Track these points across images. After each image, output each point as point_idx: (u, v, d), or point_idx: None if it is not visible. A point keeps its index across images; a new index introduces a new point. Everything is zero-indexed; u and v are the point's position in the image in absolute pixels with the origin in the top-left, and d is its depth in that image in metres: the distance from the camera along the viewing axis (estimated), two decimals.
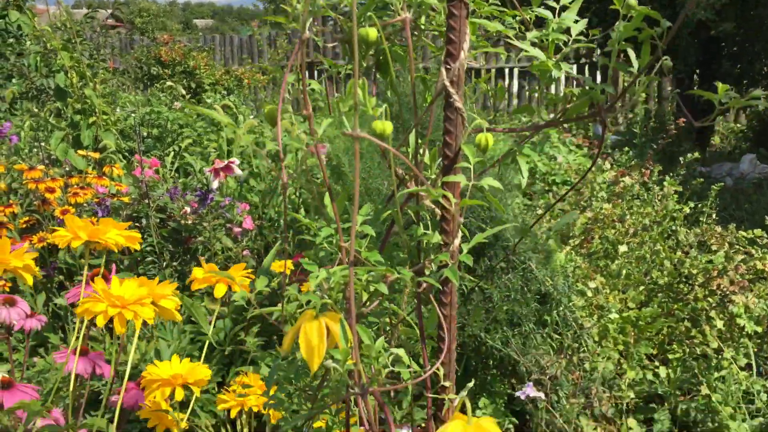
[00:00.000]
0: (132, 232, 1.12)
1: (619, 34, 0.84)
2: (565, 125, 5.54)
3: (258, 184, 3.28)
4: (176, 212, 2.63)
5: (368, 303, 0.85)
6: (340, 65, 0.99)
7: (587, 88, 0.86)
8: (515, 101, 11.11)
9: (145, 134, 3.99)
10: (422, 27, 0.83)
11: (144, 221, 2.59)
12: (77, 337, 1.07)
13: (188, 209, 2.64)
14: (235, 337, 2.41)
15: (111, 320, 0.91)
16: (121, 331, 0.92)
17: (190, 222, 2.63)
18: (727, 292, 2.44)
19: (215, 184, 2.56)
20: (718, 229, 2.72)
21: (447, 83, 0.82)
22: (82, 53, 3.40)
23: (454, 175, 0.84)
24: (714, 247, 2.73)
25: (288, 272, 2.21)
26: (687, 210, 2.87)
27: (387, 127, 0.77)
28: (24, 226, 2.50)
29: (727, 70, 6.44)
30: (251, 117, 4.15)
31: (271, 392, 0.97)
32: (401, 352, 0.80)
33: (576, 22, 0.88)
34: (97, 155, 2.87)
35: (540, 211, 2.94)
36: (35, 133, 3.37)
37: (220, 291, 1.11)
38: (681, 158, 3.45)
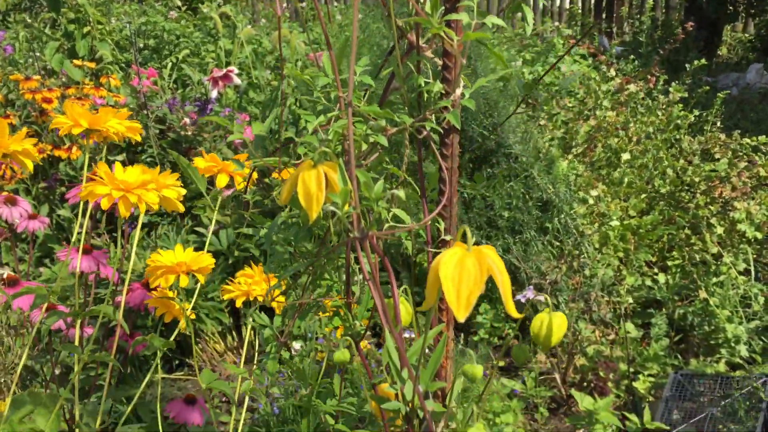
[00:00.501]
0: (133, 122, 1.10)
1: None
2: (571, 34, 5.41)
3: (257, 96, 3.24)
4: (176, 123, 2.60)
5: (367, 157, 0.84)
6: None
7: None
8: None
9: (141, 46, 3.91)
10: None
11: (143, 132, 2.57)
12: (79, 232, 1.07)
13: (188, 120, 2.62)
14: (238, 245, 2.43)
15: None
16: (125, 215, 0.92)
17: (189, 133, 2.61)
18: (729, 199, 2.44)
19: (214, 94, 2.52)
20: (722, 136, 2.70)
21: None
22: None
23: (456, 13, 0.81)
24: (717, 156, 2.71)
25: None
26: (692, 118, 2.84)
27: None
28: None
29: None
30: (248, 26, 4.06)
31: (272, 282, 0.99)
32: (400, 212, 0.80)
33: None
34: (93, 65, 2.82)
35: (542, 122, 2.91)
36: (30, 44, 3.30)
37: (222, 181, 1.11)
38: (687, 66, 3.39)
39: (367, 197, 0.73)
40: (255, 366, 1.34)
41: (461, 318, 0.62)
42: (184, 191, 1.02)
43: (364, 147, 0.84)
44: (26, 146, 0.92)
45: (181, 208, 1.01)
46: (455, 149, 0.91)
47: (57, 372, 1.34)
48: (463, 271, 0.63)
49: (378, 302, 0.74)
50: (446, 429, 0.78)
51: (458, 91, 0.86)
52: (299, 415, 1.11)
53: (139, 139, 1.13)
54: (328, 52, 0.82)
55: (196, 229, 2.45)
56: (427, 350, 0.80)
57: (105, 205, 0.92)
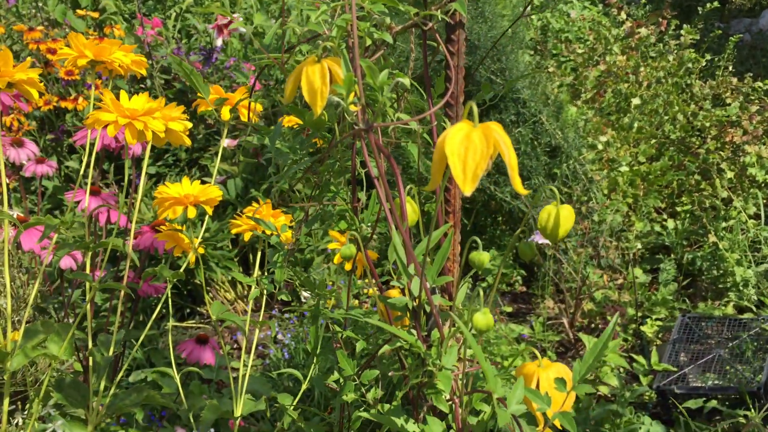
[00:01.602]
0: (139, 56, 1.10)
1: None
2: None
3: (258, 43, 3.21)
4: (181, 73, 2.58)
5: (373, 56, 0.83)
6: None
7: None
8: None
9: None
10: None
11: (148, 82, 2.55)
12: (87, 164, 1.07)
13: None
14: (246, 194, 2.44)
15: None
16: (132, 142, 0.92)
17: None
18: (740, 143, 2.42)
19: (219, 43, 2.50)
20: (734, 80, 2.66)
21: None
22: None
23: None
24: (729, 101, 2.67)
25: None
26: (703, 62, 2.80)
27: None
28: None
29: None
30: None
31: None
32: (405, 116, 0.79)
33: None
34: (96, 15, 2.79)
35: (551, 69, 2.87)
36: None
37: (226, 114, 1.10)
38: (700, 9, 3.32)
39: (372, 87, 0.72)
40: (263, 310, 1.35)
41: (468, 191, 0.59)
42: (189, 124, 1.01)
43: (368, 43, 0.82)
44: (31, 75, 0.91)
45: (188, 141, 1.01)
46: (461, 46, 0.89)
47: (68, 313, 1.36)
48: (470, 144, 0.60)
49: (383, 199, 0.73)
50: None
51: None
52: (310, 358, 1.12)
53: (144, 73, 1.12)
54: None
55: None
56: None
57: (111, 132, 0.91)
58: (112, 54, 1.05)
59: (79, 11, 2.72)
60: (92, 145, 1.10)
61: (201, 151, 2.62)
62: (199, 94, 0.96)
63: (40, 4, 2.75)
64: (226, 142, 2.54)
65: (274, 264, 0.96)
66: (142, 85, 2.57)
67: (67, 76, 2.35)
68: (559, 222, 0.77)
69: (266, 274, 2.26)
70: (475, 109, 0.62)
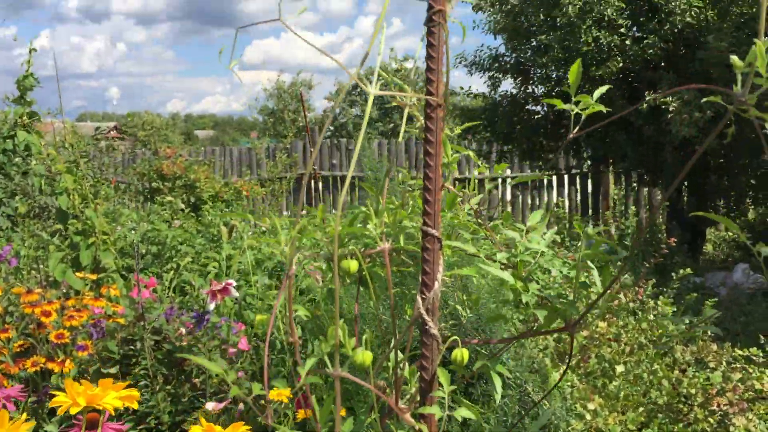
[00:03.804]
0: (131, 391, 1.12)
1: None
2: (558, 240, 5.60)
3: (255, 302, 3.30)
4: (171, 334, 2.62)
5: None
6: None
7: (555, 306, 0.90)
8: (509, 207, 11.30)
9: (144, 251, 4.04)
10: (401, 248, 0.88)
11: (139, 344, 2.58)
12: None
13: (183, 330, 2.64)
14: None
15: None
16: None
17: (185, 343, 2.62)
18: (728, 412, 2.41)
19: (212, 306, 2.57)
20: (714, 347, 2.72)
21: (422, 311, 0.86)
22: (86, 174, 3.50)
23: (429, 406, 0.87)
24: (711, 365, 2.71)
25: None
26: (682, 327, 2.88)
27: (367, 358, 0.81)
28: (18, 350, 2.49)
29: (714, 183, 6.58)
30: (249, 233, 4.21)
31: None
32: None
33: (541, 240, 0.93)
34: (94, 276, 2.90)
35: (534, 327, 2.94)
36: (36, 252, 3.41)
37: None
38: (674, 270, 3.49)
39: None
40: None
41: None
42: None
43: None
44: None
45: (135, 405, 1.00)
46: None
47: None
48: None
49: None
50: None
51: None
52: None
53: (136, 407, 1.14)
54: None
55: None
56: None
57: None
58: (104, 398, 1.09)
59: (78, 274, 2.83)
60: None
61: (185, 413, 2.57)
62: (194, 428, 0.97)
63: (42, 266, 2.86)
64: (210, 405, 2.51)
65: None
66: (132, 347, 2.60)
67: (57, 339, 2.39)
68: None
69: None
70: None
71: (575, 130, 1.17)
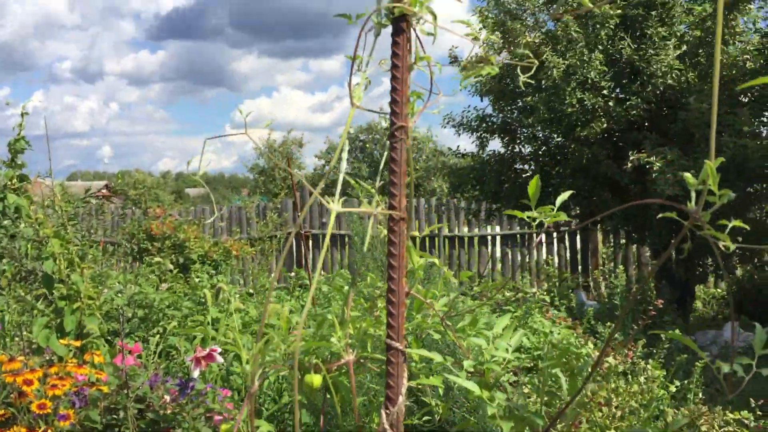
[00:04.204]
0: None
1: None
2: (547, 299, 5.60)
3: (239, 368, 3.26)
4: (155, 402, 2.58)
5: None
6: None
7: (521, 416, 0.91)
8: (499, 265, 11.30)
9: (130, 315, 4.00)
10: (368, 357, 0.88)
11: (122, 413, 2.53)
12: None
13: (167, 398, 2.60)
14: None
15: None
16: None
17: (169, 411, 2.58)
18: None
19: (196, 373, 2.54)
20: (705, 409, 2.70)
21: (386, 427, 0.86)
22: (74, 236, 3.49)
23: None
24: (704, 428, 2.69)
25: None
26: (673, 389, 2.86)
27: None
28: None
29: (699, 241, 6.63)
30: (237, 297, 4.19)
31: None
32: None
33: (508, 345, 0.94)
34: (78, 343, 2.86)
35: (526, 390, 2.91)
36: (20, 317, 3.37)
37: None
38: (664, 327, 3.48)
39: None
40: None
41: None
42: None
43: None
44: None
45: None
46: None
47: None
48: None
49: None
50: None
51: None
52: None
53: None
54: None
55: None
56: None
57: None
58: None
59: (62, 341, 2.79)
60: None
61: None
62: None
63: (25, 332, 2.83)
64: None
65: None
66: (115, 416, 2.55)
67: (39, 409, 2.34)
68: None
69: None
70: None
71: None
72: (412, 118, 0.81)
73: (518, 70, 1.04)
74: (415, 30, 0.84)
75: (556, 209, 0.99)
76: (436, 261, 0.97)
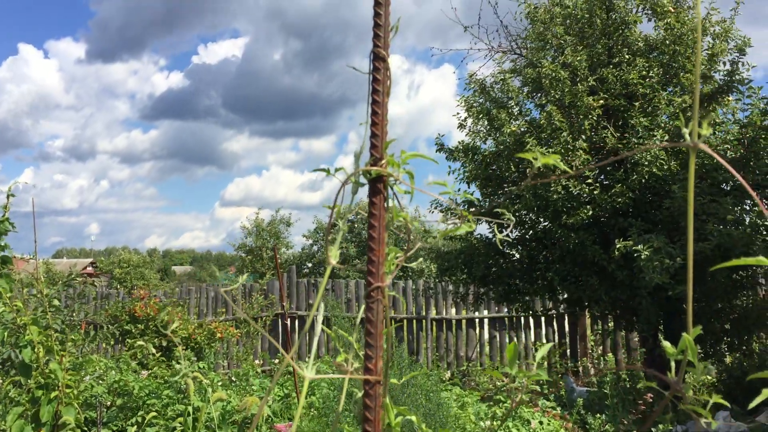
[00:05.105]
0: None
1: None
2: (537, 386, 5.51)
3: None
4: None
5: None
6: None
7: None
8: (487, 348, 11.16)
9: (109, 403, 3.90)
10: None
11: None
12: None
13: None
14: None
15: None
16: None
17: None
18: None
19: None
20: None
21: None
22: (54, 322, 3.43)
23: None
24: None
25: None
26: None
27: None
28: None
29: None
30: (219, 384, 4.10)
31: None
32: None
33: None
34: None
35: None
36: None
37: None
38: (653, 429, 3.41)
39: None
40: None
41: None
42: None
43: None
44: None
45: None
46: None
47: None
48: None
49: None
50: None
51: None
52: None
53: None
54: None
55: None
56: None
57: None
58: None
59: None
60: None
61: None
62: None
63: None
64: None
65: None
66: None
67: None
68: None
69: None
70: None
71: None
72: (389, 276, 0.81)
73: (496, 228, 1.06)
74: (392, 188, 0.86)
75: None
76: (414, 418, 0.95)
